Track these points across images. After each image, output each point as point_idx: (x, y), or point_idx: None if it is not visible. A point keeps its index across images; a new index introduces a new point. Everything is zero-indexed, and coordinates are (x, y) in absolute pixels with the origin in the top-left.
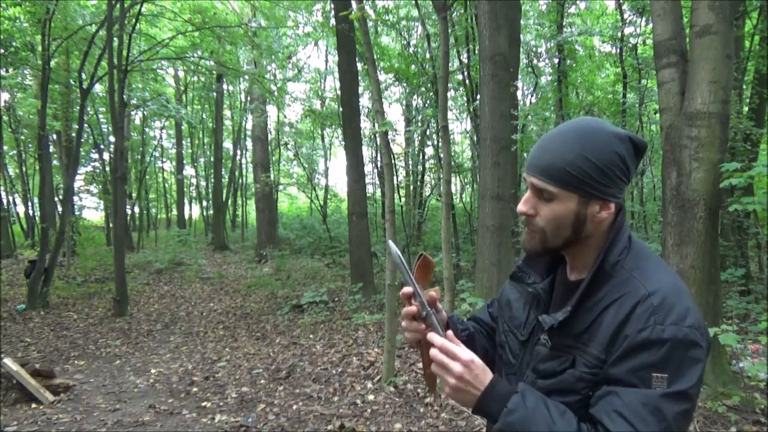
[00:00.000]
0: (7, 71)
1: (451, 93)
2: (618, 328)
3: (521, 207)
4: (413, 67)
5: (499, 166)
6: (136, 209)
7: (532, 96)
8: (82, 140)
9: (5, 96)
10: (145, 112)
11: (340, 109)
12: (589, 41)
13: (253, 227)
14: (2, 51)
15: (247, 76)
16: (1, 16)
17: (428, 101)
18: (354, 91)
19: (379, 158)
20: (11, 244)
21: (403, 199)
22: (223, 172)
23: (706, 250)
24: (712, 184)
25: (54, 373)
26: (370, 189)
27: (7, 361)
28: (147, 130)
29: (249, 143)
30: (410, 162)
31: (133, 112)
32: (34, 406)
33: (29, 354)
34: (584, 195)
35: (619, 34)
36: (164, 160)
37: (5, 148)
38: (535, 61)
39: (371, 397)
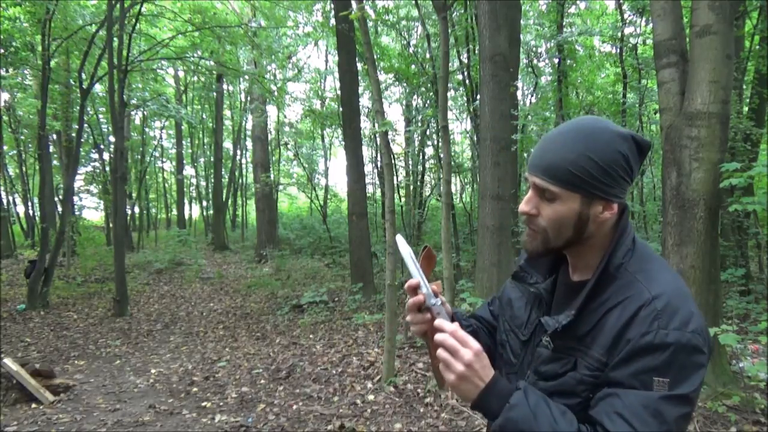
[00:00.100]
0: (7, 71)
1: (451, 93)
2: (621, 332)
3: (523, 207)
4: (413, 67)
5: (499, 166)
6: (136, 209)
7: (532, 96)
8: (82, 140)
9: (5, 96)
10: (145, 112)
11: (340, 109)
12: (589, 41)
13: (253, 227)
14: (2, 51)
15: (247, 76)
16: (1, 16)
17: (428, 101)
18: (354, 91)
19: (379, 158)
20: (11, 244)
21: (403, 199)
22: (223, 172)
23: (706, 250)
24: (712, 184)
25: (54, 373)
26: (370, 189)
27: (7, 361)
28: (147, 130)
29: (249, 143)
30: (410, 162)
31: (133, 112)
32: (34, 406)
33: (29, 354)
34: (587, 195)
35: (619, 34)
36: (164, 160)
37: (5, 148)
38: (535, 61)
39: (371, 397)
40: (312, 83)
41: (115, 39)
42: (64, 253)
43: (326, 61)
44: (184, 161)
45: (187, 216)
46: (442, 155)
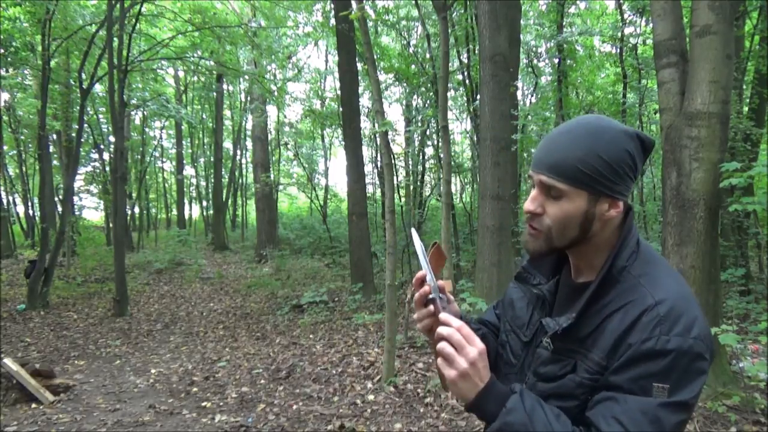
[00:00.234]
0: (7, 71)
1: (451, 93)
2: (622, 336)
3: (528, 205)
4: (413, 67)
5: (499, 166)
6: (136, 209)
7: (532, 96)
8: (82, 140)
9: (5, 96)
10: (145, 112)
11: (340, 109)
12: (589, 41)
13: (253, 227)
14: (2, 51)
15: (247, 76)
16: (1, 16)
17: (428, 101)
18: (354, 91)
19: (379, 158)
20: (11, 244)
21: (403, 199)
22: (223, 172)
23: (706, 250)
24: (712, 184)
25: (54, 373)
26: (370, 189)
27: (7, 361)
28: (147, 130)
29: (249, 143)
30: (410, 162)
31: (133, 112)
32: (34, 406)
33: (29, 354)
34: (594, 192)
35: (619, 34)
36: (164, 160)
37: (5, 148)
38: (535, 61)
39: (371, 397)
40: (312, 83)
41: (115, 39)
42: (64, 253)
43: (326, 61)
44: (184, 161)
45: (187, 216)
46: (442, 155)
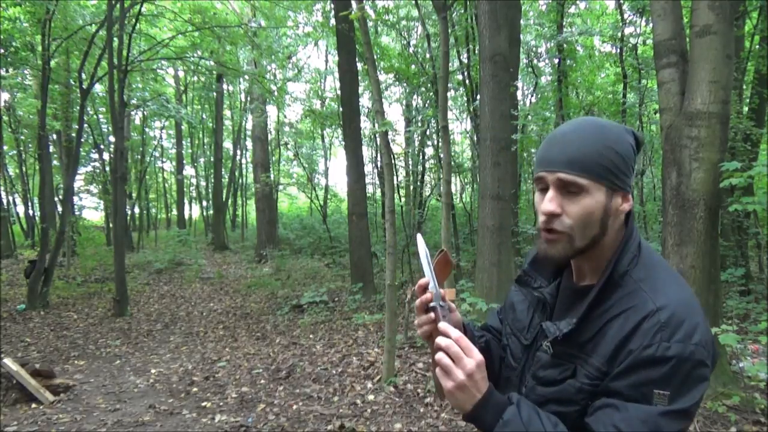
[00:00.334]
0: (7, 71)
1: (451, 93)
2: (622, 342)
3: (548, 206)
4: (413, 67)
5: (499, 166)
6: (136, 209)
7: (532, 96)
8: (82, 140)
9: (5, 96)
10: (145, 112)
11: (340, 109)
12: (589, 41)
13: (253, 227)
14: (2, 51)
15: (247, 76)
16: (1, 16)
17: (428, 101)
18: (354, 91)
19: (379, 158)
20: (11, 244)
21: (403, 199)
22: (223, 172)
23: (706, 250)
24: (712, 184)
25: (54, 373)
26: (370, 189)
27: (7, 361)
28: (147, 130)
29: (249, 143)
30: (410, 162)
31: (133, 112)
32: (34, 406)
33: (29, 354)
34: (611, 185)
35: (619, 34)
36: (164, 160)
37: (5, 148)
38: (535, 61)
39: (371, 397)
40: (312, 83)
41: (115, 39)
42: (64, 253)
43: (326, 61)
44: (184, 161)
45: (187, 216)
46: (442, 155)
